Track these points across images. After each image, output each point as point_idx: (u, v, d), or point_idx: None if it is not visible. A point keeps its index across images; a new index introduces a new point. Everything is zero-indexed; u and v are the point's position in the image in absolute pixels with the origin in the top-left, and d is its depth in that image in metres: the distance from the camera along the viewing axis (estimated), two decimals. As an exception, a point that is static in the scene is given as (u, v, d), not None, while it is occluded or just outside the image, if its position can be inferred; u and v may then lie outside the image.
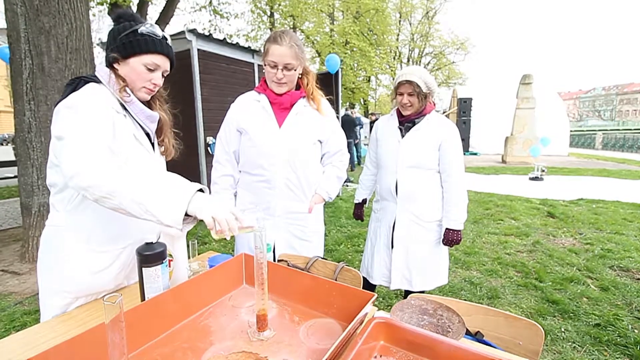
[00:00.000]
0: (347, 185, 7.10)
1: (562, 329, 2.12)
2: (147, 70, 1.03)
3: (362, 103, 21.76)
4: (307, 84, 1.48)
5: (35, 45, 2.71)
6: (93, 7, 7.63)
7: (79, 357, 0.65)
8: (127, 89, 1.02)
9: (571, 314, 2.28)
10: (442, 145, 1.74)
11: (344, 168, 1.62)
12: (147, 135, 1.12)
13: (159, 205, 0.81)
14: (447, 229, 1.77)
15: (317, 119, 1.50)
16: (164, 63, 1.06)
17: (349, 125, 8.51)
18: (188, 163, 4.34)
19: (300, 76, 1.47)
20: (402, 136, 1.80)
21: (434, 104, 1.85)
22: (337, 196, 6.06)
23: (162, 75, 1.10)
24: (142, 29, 1.01)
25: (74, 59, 2.88)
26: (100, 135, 0.90)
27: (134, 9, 7.53)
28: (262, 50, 1.42)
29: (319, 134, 1.51)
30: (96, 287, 1.04)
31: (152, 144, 1.14)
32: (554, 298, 2.46)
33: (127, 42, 1.00)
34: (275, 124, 1.45)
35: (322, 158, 1.61)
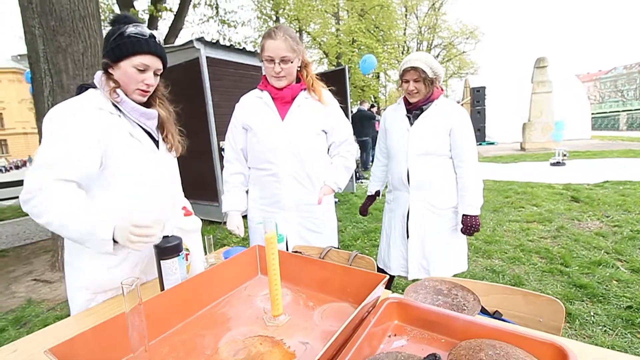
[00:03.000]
0: (362, 182, 7.08)
1: (592, 313, 2.04)
2: (137, 72, 1.03)
3: (373, 100, 21.63)
4: (307, 76, 1.49)
5: (54, 64, 2.84)
6: (106, 27, 7.93)
7: (101, 344, 0.69)
8: (117, 90, 1.03)
9: (600, 298, 2.19)
10: (452, 130, 1.69)
11: (351, 158, 1.62)
12: (150, 133, 1.13)
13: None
14: (463, 215, 1.73)
15: (320, 110, 1.50)
16: (153, 62, 1.05)
17: (363, 121, 8.02)
18: (204, 168, 4.43)
19: (299, 69, 1.49)
20: (411, 124, 1.76)
21: (442, 89, 1.80)
22: (352, 193, 6.05)
23: (156, 74, 1.09)
24: (129, 30, 1.00)
25: (90, 75, 3.00)
26: (68, 163, 0.92)
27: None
28: (260, 49, 1.45)
29: (322, 124, 1.52)
30: (112, 283, 1.07)
31: (157, 141, 1.16)
32: (582, 282, 2.37)
33: (115, 46, 1.01)
34: (278, 118, 1.47)
35: (329, 149, 1.61)
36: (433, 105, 1.73)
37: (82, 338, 0.67)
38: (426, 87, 1.67)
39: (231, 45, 4.56)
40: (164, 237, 0.95)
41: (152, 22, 7.97)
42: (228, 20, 11.51)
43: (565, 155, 7.59)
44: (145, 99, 1.11)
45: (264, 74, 1.51)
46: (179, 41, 8.56)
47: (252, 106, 1.52)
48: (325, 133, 1.56)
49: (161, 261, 0.92)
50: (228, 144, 1.59)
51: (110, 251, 0.90)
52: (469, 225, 1.72)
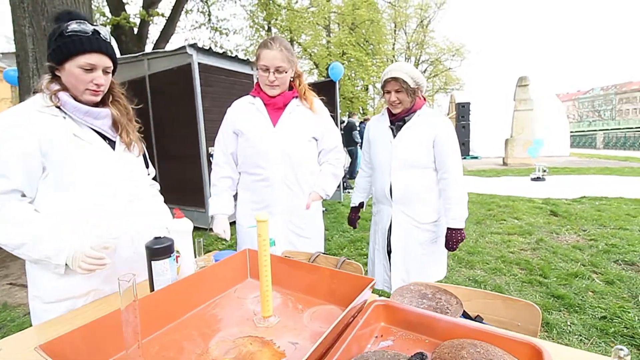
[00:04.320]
0: (349, 192, 7.13)
1: (568, 323, 2.12)
2: (84, 72, 0.97)
3: (361, 112, 21.96)
4: (299, 85, 1.55)
5: (42, 64, 2.81)
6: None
7: (93, 342, 0.69)
8: (59, 94, 0.99)
9: (577, 308, 2.28)
10: (436, 140, 1.65)
11: (340, 165, 1.66)
12: (103, 134, 1.09)
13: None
14: (448, 228, 1.66)
15: (311, 117, 1.55)
16: (100, 61, 0.99)
17: (350, 131, 8.46)
18: (191, 174, 4.40)
19: (292, 79, 1.54)
20: (394, 136, 1.72)
21: (425, 99, 1.76)
22: (339, 202, 6.08)
23: (106, 72, 1.03)
24: (70, 28, 0.95)
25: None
26: (6, 173, 0.94)
27: (135, 29, 7.73)
28: (255, 57, 1.49)
29: (313, 131, 1.56)
30: (66, 292, 1.03)
31: (113, 141, 1.11)
32: (559, 293, 2.46)
33: (56, 48, 0.96)
34: (270, 124, 1.51)
35: (318, 156, 1.65)
36: (416, 116, 1.69)
37: (73, 335, 0.67)
38: (408, 97, 1.64)
39: (224, 52, 4.59)
40: (156, 237, 0.95)
41: (143, 27, 7.94)
42: (220, 27, 11.57)
43: (545, 171, 7.86)
44: (98, 99, 1.05)
45: (256, 81, 1.55)
46: (169, 46, 8.55)
47: (244, 111, 1.55)
48: (316, 140, 1.60)
49: (152, 262, 0.93)
50: (218, 147, 1.61)
51: (62, 273, 0.98)
52: (454, 240, 1.65)
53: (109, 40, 1.02)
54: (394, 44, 22.93)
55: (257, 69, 1.48)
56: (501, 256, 3.24)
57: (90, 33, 0.97)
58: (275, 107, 1.52)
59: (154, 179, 1.36)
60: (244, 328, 0.84)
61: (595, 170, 9.08)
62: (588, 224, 4.14)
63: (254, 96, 1.56)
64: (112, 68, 1.05)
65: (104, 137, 1.09)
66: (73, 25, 0.95)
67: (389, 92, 1.65)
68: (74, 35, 0.95)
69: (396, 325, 0.82)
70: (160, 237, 0.95)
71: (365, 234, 4.07)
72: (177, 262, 1.04)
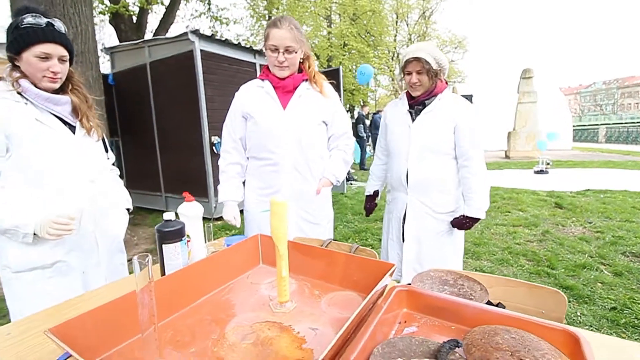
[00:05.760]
0: (352, 184, 7.10)
1: (578, 314, 2.10)
2: (40, 60, 1.05)
3: (362, 104, 21.84)
4: (309, 67, 1.49)
5: (41, 49, 2.75)
6: (95, 17, 7.71)
7: (104, 326, 0.65)
8: (21, 80, 1.06)
9: (586, 299, 2.25)
10: (457, 126, 1.57)
11: (350, 151, 1.61)
12: (64, 119, 1.16)
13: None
14: (465, 216, 1.60)
15: (321, 101, 1.50)
16: (55, 50, 1.07)
17: (361, 122, 8.89)
18: (194, 163, 4.35)
19: (301, 61, 1.48)
20: (413, 120, 1.64)
21: (447, 82, 1.67)
22: (342, 193, 6.05)
23: (63, 61, 1.11)
24: (25, 21, 1.02)
25: (79, 62, 2.91)
26: None
27: (134, 18, 7.60)
28: (263, 37, 1.43)
29: (323, 114, 1.51)
30: (34, 260, 1.09)
31: (73, 126, 1.18)
32: (568, 284, 2.43)
33: (13, 39, 1.04)
34: (280, 107, 1.46)
35: (328, 141, 1.60)
36: (437, 100, 1.60)
37: (84, 318, 0.64)
38: (430, 80, 1.55)
39: (226, 39, 4.50)
40: (166, 220, 0.91)
41: (142, 16, 7.80)
42: (220, 17, 11.39)
43: (548, 164, 7.83)
44: (56, 86, 1.12)
45: (261, 67, 1.50)
46: (169, 35, 8.42)
47: (253, 95, 1.50)
48: (326, 124, 1.56)
49: (163, 245, 0.89)
50: (226, 132, 1.56)
51: (30, 242, 1.04)
52: (464, 227, 1.63)
53: (63, 32, 1.11)
54: (395, 36, 22.65)
55: (265, 50, 1.42)
56: (507, 247, 3.22)
57: (44, 25, 1.05)
58: (284, 90, 1.47)
59: (114, 164, 1.43)
60: (260, 313, 0.81)
61: (599, 163, 9.04)
62: (593, 216, 4.12)
63: (263, 79, 1.50)
64: (67, 57, 1.13)
65: (65, 123, 1.16)
66: (28, 19, 1.03)
67: (409, 73, 1.56)
68: (29, 28, 1.03)
69: (419, 311, 0.78)
70: (170, 220, 0.91)
71: (370, 224, 4.05)
72: (187, 246, 1.01)
